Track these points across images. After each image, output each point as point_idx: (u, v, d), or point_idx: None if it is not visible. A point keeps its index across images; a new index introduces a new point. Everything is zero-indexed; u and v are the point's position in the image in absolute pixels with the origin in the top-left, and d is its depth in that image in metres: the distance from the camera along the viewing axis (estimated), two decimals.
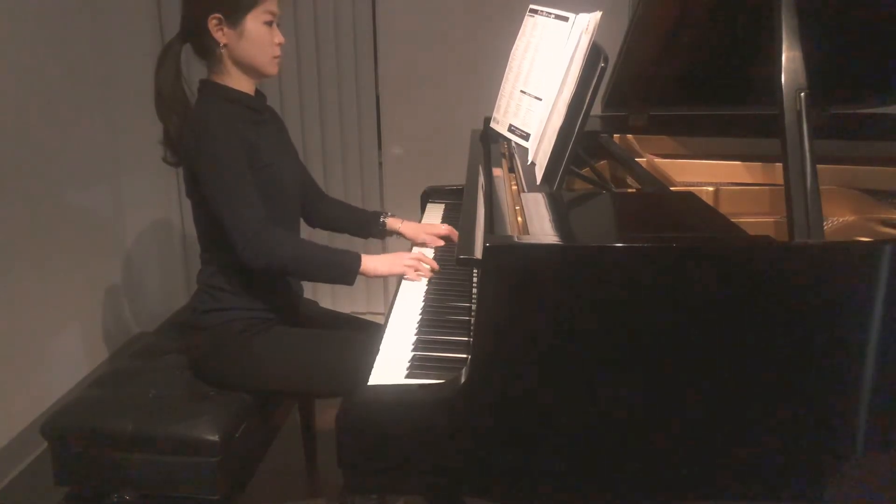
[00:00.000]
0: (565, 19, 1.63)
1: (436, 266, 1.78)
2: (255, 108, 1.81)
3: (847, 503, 1.22)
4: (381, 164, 3.18)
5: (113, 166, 2.97)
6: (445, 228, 2.04)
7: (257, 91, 1.85)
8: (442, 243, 2.01)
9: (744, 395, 1.17)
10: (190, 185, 1.78)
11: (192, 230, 3.21)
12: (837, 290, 1.15)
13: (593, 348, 1.15)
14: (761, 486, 1.22)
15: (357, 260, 1.74)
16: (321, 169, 3.16)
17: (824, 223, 1.22)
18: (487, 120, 2.00)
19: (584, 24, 1.51)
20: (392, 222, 2.09)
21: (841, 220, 1.65)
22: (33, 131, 2.50)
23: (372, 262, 1.75)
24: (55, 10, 2.60)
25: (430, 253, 1.96)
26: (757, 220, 1.58)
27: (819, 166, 1.23)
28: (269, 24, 1.74)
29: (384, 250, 3.09)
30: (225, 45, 1.72)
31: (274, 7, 1.74)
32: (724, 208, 1.63)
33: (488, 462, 1.22)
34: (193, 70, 1.88)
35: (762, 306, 1.14)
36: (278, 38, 1.76)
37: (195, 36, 1.75)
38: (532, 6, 1.82)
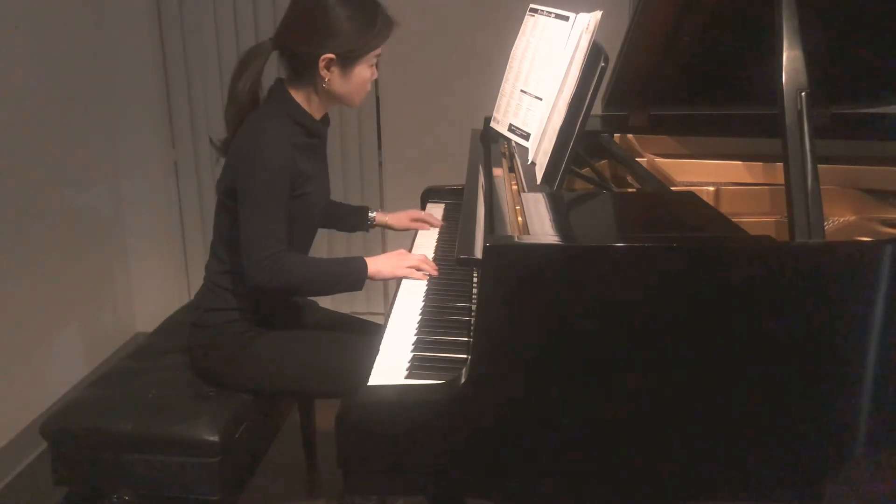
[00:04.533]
0: (565, 19, 1.63)
1: (435, 272, 1.77)
2: (313, 135, 1.78)
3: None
4: (381, 163, 3.17)
5: (113, 166, 2.97)
6: (424, 213, 2.20)
7: (324, 115, 1.82)
8: (427, 227, 2.14)
9: (744, 394, 1.17)
10: (225, 179, 1.75)
11: (191, 230, 3.26)
12: (838, 291, 1.15)
13: (593, 348, 1.15)
14: (761, 487, 1.21)
15: (363, 266, 1.72)
16: None
17: (825, 223, 1.22)
18: (487, 120, 1.99)
19: (585, 24, 1.51)
20: (380, 217, 2.18)
21: (841, 220, 1.64)
22: (33, 131, 2.50)
23: (375, 265, 1.74)
24: (56, 10, 2.60)
25: (430, 254, 1.95)
26: (757, 220, 1.58)
27: (820, 166, 1.23)
28: (373, 64, 1.74)
29: (383, 249, 3.09)
30: (328, 82, 1.71)
31: (381, 49, 1.73)
32: (724, 208, 1.63)
33: (488, 462, 1.22)
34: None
35: (763, 306, 1.14)
36: (374, 75, 1.76)
37: (297, 62, 1.72)
38: (532, 5, 1.82)
